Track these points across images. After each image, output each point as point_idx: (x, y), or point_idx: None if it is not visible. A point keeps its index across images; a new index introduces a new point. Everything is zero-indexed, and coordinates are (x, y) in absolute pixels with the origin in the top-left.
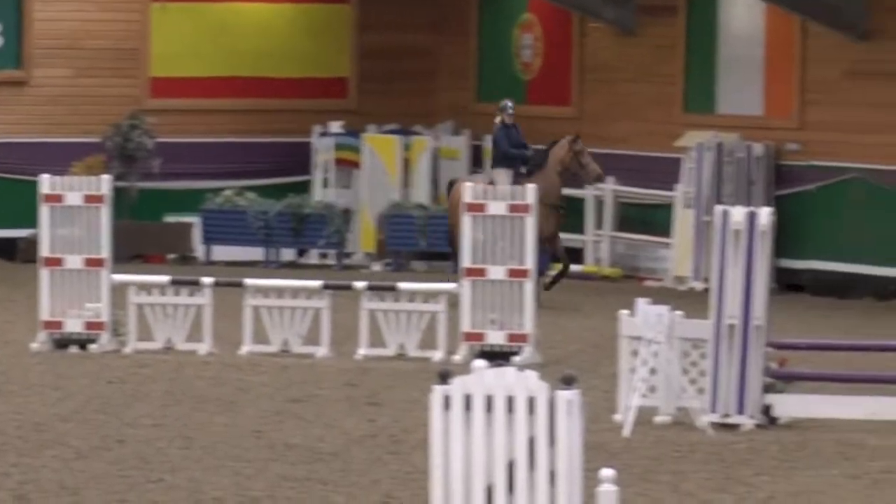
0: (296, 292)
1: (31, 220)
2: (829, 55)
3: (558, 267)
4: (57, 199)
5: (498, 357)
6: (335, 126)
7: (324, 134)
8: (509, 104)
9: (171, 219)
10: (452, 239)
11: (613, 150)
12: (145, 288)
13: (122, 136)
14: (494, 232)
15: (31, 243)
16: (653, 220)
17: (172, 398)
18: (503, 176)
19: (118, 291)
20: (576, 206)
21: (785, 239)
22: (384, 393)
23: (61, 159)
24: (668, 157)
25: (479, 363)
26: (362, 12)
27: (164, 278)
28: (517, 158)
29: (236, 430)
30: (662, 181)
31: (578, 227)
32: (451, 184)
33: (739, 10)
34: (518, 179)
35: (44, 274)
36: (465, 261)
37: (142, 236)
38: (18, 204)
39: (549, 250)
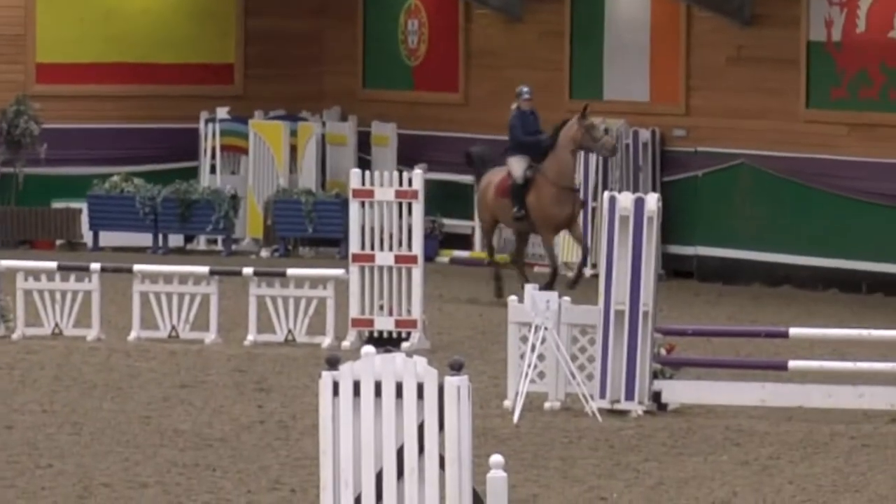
0: (184, 278)
1: None
2: (715, 40)
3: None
4: None
5: (386, 343)
6: (221, 112)
7: (210, 120)
8: (525, 89)
9: (58, 205)
10: (484, 233)
11: (501, 136)
12: (33, 274)
13: (7, 122)
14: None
15: None
16: None
17: (61, 384)
18: (516, 164)
19: (5, 277)
20: (464, 191)
21: (672, 225)
22: (273, 379)
23: None
24: None
25: (368, 349)
26: None
27: (52, 264)
28: (530, 146)
29: (125, 416)
30: None
31: (466, 213)
32: (479, 176)
33: None
34: (532, 166)
35: None
36: (353, 247)
37: (29, 222)
38: None
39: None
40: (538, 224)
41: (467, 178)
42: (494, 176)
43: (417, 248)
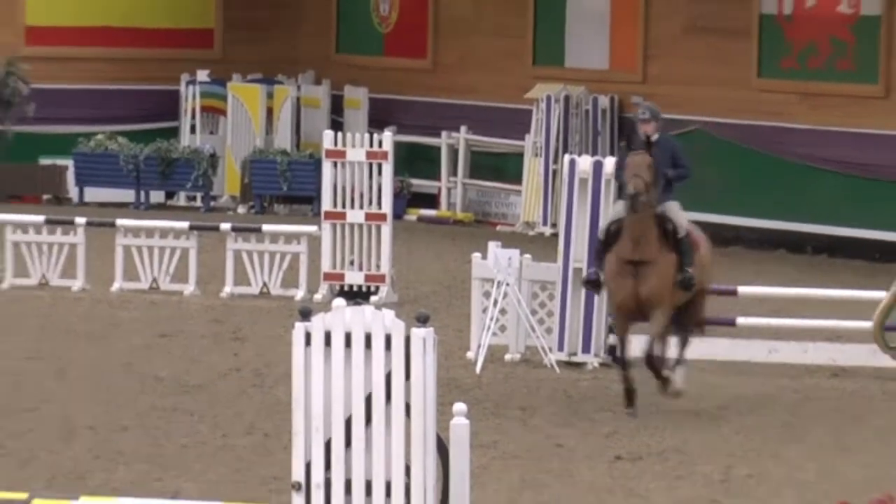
0: (164, 233)
1: None
2: (672, 11)
3: None
4: None
5: (356, 296)
6: (202, 75)
7: (191, 82)
8: (636, 101)
9: (45, 161)
10: None
11: (466, 100)
12: (21, 227)
13: None
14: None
15: None
16: (504, 167)
17: (47, 332)
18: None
19: None
20: (430, 153)
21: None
22: (248, 329)
23: None
24: (518, 108)
25: (339, 302)
26: None
27: (39, 218)
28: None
29: (107, 363)
30: (513, 131)
31: (433, 174)
32: None
33: None
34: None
35: None
36: (325, 205)
37: (18, 177)
38: None
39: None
40: None
41: (434, 141)
42: None
43: (387, 207)
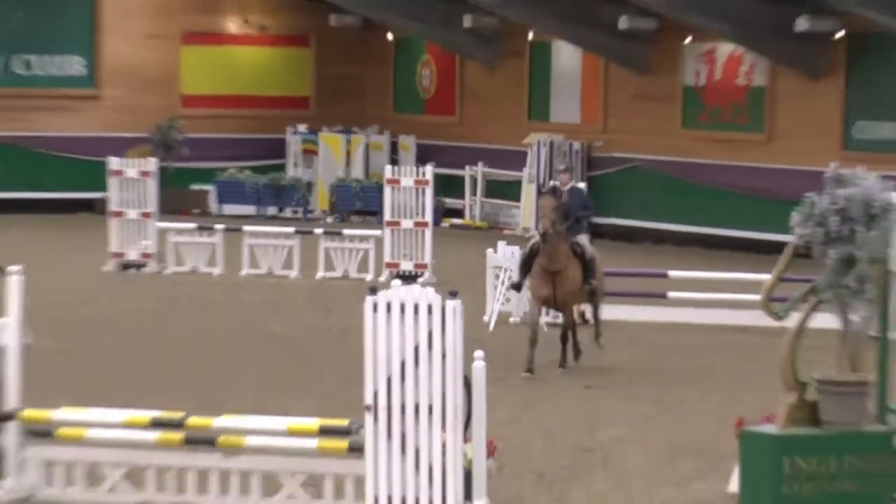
0: (277, 235)
1: (103, 187)
2: (624, 84)
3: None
4: (120, 173)
5: (408, 278)
6: (301, 127)
7: (294, 133)
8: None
9: (195, 187)
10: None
11: (483, 145)
12: (179, 231)
13: (162, 133)
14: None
15: (104, 202)
16: (508, 190)
17: (196, 305)
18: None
19: (161, 233)
20: (458, 181)
21: (594, 203)
22: (334, 301)
23: (122, 147)
24: (518, 150)
25: (396, 282)
26: (319, 53)
27: (192, 225)
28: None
29: (237, 325)
30: (514, 165)
31: (460, 195)
32: None
33: (564, 54)
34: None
35: (112, 222)
36: (387, 216)
37: (176, 198)
38: (94, 176)
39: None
40: None
41: (460, 172)
42: None
43: (428, 218)
